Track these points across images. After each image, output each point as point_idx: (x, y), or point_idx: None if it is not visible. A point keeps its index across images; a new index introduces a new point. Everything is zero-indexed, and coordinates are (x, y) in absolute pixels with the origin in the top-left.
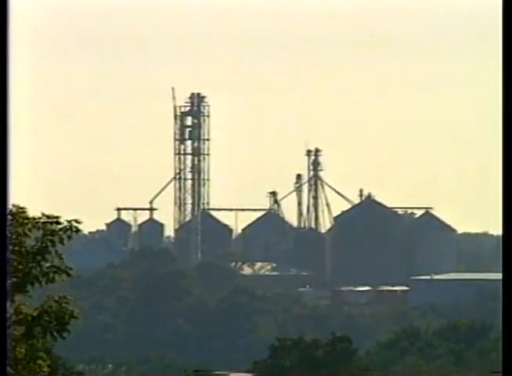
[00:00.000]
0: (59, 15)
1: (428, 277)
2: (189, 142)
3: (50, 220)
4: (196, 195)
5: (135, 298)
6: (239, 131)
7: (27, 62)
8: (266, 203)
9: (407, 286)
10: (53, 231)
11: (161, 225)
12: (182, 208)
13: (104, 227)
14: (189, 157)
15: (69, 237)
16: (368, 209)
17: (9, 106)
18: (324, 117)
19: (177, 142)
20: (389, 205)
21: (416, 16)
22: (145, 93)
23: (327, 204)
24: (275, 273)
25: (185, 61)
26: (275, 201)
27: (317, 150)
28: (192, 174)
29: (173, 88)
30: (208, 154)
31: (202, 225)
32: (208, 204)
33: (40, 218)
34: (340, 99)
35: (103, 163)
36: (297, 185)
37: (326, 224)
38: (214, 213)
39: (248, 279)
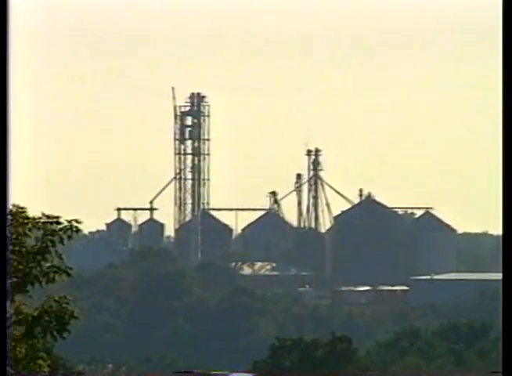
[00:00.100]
0: (59, 15)
1: (428, 277)
2: (189, 142)
3: (50, 220)
4: (196, 195)
5: (135, 298)
6: (239, 131)
7: (27, 62)
8: (266, 203)
9: (407, 286)
10: (53, 231)
11: (161, 225)
12: (182, 208)
13: (104, 227)
14: (189, 157)
15: (69, 237)
16: (368, 209)
17: (8, 106)
18: (324, 117)
19: (177, 142)
20: (389, 205)
21: (415, 16)
22: (145, 93)
23: (327, 204)
24: (275, 273)
25: (185, 61)
26: (275, 201)
27: (317, 150)
28: (192, 174)
29: (173, 88)
30: (208, 154)
31: (202, 225)
32: (208, 204)
33: (40, 218)
34: (340, 99)
35: (103, 163)
36: (297, 185)
37: (326, 224)
38: (214, 213)
39: (248, 279)
